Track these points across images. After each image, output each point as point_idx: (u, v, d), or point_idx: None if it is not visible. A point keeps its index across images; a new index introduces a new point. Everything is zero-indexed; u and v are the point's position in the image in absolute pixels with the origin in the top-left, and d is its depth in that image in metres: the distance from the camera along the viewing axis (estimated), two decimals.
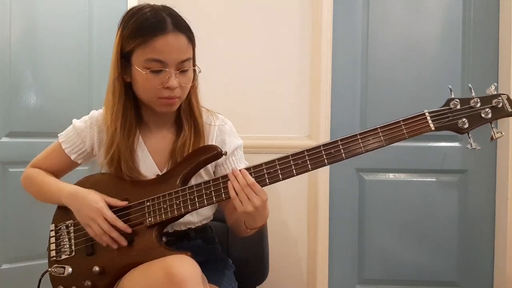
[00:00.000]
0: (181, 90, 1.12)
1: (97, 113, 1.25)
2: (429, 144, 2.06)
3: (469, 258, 2.08)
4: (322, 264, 2.04)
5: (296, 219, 2.05)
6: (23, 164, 1.93)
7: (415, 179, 2.09)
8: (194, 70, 1.15)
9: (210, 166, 1.22)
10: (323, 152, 1.03)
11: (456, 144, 2.06)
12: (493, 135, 1.00)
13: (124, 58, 1.11)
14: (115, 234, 1.09)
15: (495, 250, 2.05)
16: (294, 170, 1.04)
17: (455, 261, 2.08)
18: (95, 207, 1.10)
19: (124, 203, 1.13)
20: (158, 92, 1.10)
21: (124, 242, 1.10)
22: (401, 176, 2.11)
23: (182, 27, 1.10)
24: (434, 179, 2.08)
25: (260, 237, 1.56)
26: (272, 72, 2.04)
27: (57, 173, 1.29)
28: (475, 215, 2.07)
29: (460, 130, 1.01)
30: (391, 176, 2.11)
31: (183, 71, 1.10)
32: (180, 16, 1.12)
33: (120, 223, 1.10)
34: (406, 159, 2.08)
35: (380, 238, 2.11)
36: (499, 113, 1.00)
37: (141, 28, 1.07)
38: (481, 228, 2.07)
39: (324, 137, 2.00)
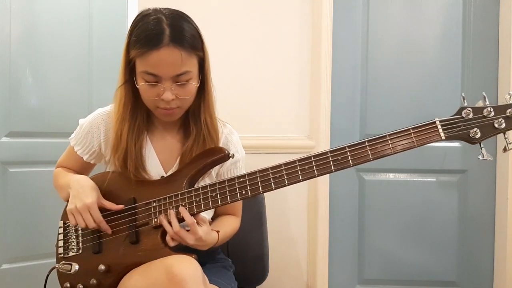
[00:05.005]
0: (180, 101, 1.11)
1: (104, 111, 1.25)
2: (429, 144, 2.06)
3: (469, 258, 2.08)
4: (322, 264, 2.04)
5: (296, 219, 2.04)
6: (23, 164, 1.96)
7: (415, 179, 2.09)
8: (204, 81, 1.14)
9: (213, 173, 1.22)
10: (330, 159, 1.02)
11: (456, 144, 2.05)
12: (506, 146, 0.96)
13: (132, 64, 1.11)
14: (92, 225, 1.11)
15: (495, 250, 2.05)
16: (300, 176, 1.03)
17: (455, 261, 2.08)
18: (85, 202, 1.10)
19: (120, 206, 1.14)
20: (156, 103, 1.10)
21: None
22: (401, 176, 2.11)
23: (181, 40, 1.05)
24: (434, 179, 2.08)
25: (260, 237, 1.57)
26: (272, 72, 2.04)
27: (80, 173, 1.28)
28: (475, 215, 2.07)
29: (471, 140, 0.98)
30: (391, 176, 2.11)
31: (181, 84, 1.08)
32: (183, 27, 1.07)
33: (103, 225, 1.12)
34: (406, 159, 2.06)
35: (380, 238, 2.11)
36: None
37: (139, 39, 1.06)
38: (481, 228, 2.07)
39: (323, 137, 2.00)
